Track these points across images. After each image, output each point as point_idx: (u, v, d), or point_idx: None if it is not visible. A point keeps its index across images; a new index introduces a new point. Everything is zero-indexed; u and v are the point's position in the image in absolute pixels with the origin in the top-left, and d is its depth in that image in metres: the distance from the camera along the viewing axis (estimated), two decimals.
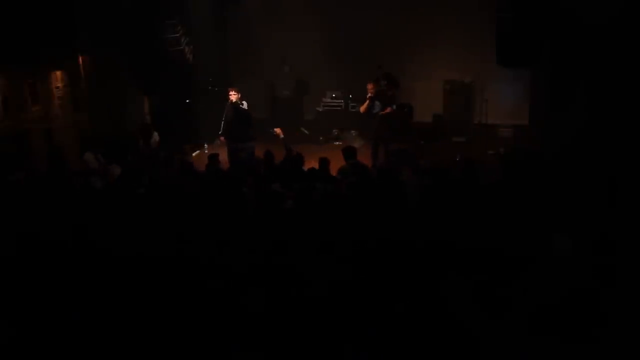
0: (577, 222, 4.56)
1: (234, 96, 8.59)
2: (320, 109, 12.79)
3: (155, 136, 9.15)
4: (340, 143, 11.42)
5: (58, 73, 8.96)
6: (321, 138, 12.24)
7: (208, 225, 4.80)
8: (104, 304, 3.74)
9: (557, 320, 3.47)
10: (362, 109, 9.76)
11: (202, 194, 5.75)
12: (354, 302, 3.69)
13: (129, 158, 8.08)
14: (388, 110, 9.50)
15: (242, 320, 3.58)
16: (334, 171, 7.08)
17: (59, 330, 3.55)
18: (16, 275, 4.08)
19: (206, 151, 10.85)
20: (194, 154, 10.94)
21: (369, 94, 9.55)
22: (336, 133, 12.22)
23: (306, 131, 12.73)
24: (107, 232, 4.70)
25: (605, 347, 3.31)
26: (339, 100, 12.64)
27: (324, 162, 6.94)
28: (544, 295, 3.67)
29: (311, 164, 7.24)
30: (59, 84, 9.01)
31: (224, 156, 8.48)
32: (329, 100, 12.70)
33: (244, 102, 8.70)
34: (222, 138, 8.84)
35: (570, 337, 3.37)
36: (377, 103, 9.49)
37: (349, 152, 7.24)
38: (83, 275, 4.04)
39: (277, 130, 8.43)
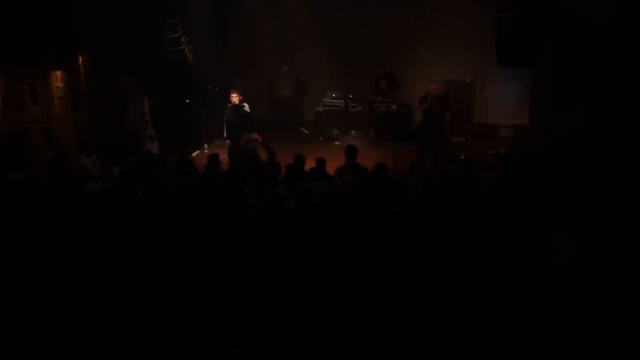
0: (577, 222, 4.56)
1: (235, 98, 8.58)
2: (320, 109, 12.79)
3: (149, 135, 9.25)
4: (340, 143, 11.44)
5: (58, 73, 8.96)
6: (321, 138, 12.26)
7: (208, 226, 4.80)
8: (102, 305, 3.75)
9: (558, 321, 3.47)
10: (424, 107, 9.17)
11: (202, 194, 5.75)
12: (352, 301, 3.70)
13: (129, 159, 8.07)
14: (448, 115, 9.07)
15: (242, 320, 3.59)
16: (332, 171, 7.08)
17: (56, 332, 3.56)
18: (15, 277, 4.08)
19: (206, 151, 10.86)
20: (193, 154, 10.94)
21: (432, 93, 9.07)
22: (336, 133, 12.23)
23: (306, 131, 12.74)
24: (107, 233, 4.70)
25: (607, 348, 3.32)
26: (339, 100, 12.64)
27: (321, 162, 6.94)
28: (545, 295, 3.68)
29: (310, 164, 7.24)
30: (59, 84, 9.01)
31: (223, 156, 8.49)
32: (329, 100, 12.70)
33: (245, 104, 8.70)
34: (227, 142, 8.83)
35: (572, 337, 3.38)
36: (436, 104, 9.11)
37: (350, 151, 7.23)
38: (82, 276, 4.05)
39: (255, 135, 8.50)
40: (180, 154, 9.40)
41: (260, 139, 8.47)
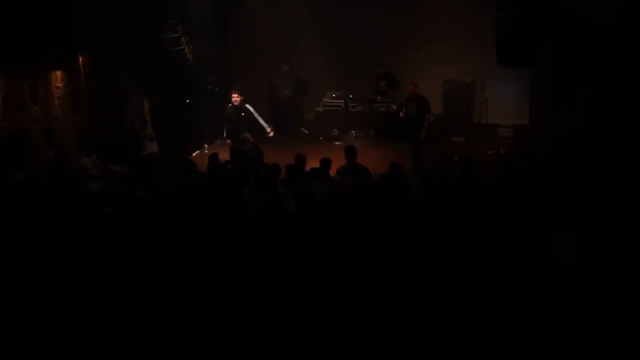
0: (577, 222, 4.56)
1: (237, 99, 8.61)
2: (320, 109, 12.79)
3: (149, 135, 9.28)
4: (340, 143, 11.44)
5: (58, 73, 8.95)
6: (321, 138, 12.26)
7: (209, 226, 4.80)
8: (105, 306, 3.75)
9: (556, 319, 3.47)
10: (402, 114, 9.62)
11: (203, 194, 5.75)
12: (353, 302, 3.70)
13: (130, 159, 8.06)
14: (427, 117, 9.32)
15: (243, 321, 3.59)
16: (332, 171, 7.07)
17: (58, 333, 3.56)
18: (15, 277, 4.09)
19: (206, 151, 10.86)
20: (193, 154, 10.95)
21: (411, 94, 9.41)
22: (336, 133, 12.23)
23: (306, 131, 12.75)
24: (108, 234, 4.70)
25: (606, 346, 3.32)
26: (339, 100, 12.64)
27: (325, 163, 6.92)
28: (544, 294, 3.68)
29: (311, 163, 7.23)
30: (59, 84, 9.00)
31: (223, 156, 8.49)
32: (329, 100, 12.70)
33: (247, 105, 8.72)
34: (228, 141, 8.84)
35: (570, 336, 3.38)
36: (410, 105, 9.39)
37: (350, 152, 7.21)
38: (83, 277, 4.05)
39: (247, 134, 8.52)
40: (180, 154, 9.40)
41: (252, 139, 8.49)
